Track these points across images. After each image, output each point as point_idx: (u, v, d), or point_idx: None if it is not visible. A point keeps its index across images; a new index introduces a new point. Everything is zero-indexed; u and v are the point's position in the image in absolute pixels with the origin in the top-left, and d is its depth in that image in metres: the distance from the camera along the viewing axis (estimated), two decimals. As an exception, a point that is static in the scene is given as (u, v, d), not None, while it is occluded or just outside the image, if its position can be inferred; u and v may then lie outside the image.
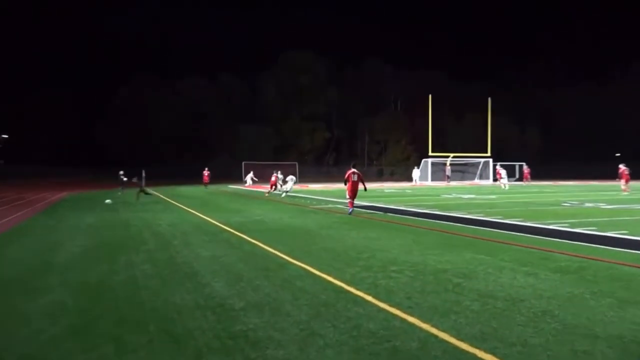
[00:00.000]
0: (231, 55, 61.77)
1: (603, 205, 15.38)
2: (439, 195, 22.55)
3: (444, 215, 12.73)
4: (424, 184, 39.71)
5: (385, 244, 8.16)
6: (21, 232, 10.28)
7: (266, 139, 57.58)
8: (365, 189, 14.45)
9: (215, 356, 3.48)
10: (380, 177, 59.30)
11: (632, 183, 27.66)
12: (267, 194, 23.37)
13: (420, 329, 3.93)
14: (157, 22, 54.46)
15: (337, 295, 4.90)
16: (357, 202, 14.91)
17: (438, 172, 43.66)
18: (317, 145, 61.54)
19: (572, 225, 10.26)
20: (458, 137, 58.66)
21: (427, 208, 15.01)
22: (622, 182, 24.34)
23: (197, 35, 55.74)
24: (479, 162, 45.98)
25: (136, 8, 52.69)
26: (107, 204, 17.52)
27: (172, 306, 4.62)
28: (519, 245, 7.79)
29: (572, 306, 4.52)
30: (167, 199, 21.33)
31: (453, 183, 40.66)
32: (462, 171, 46.32)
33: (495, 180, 35.01)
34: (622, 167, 24.73)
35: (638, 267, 6.08)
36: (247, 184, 33.38)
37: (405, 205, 16.17)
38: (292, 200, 19.35)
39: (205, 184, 31.75)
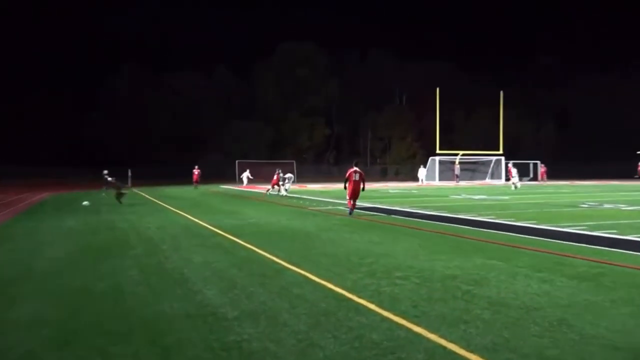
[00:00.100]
0: (230, 54, 62.11)
1: (623, 207, 15.39)
2: (447, 196, 22.56)
3: (453, 218, 12.72)
4: (431, 184, 39.73)
5: (389, 248, 8.16)
6: (-2, 235, 10.28)
7: (261, 136, 57.56)
8: (364, 189, 14.35)
9: (207, 369, 3.47)
10: (384, 176, 59.35)
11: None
12: (266, 193, 23.37)
13: (427, 340, 3.93)
14: (157, 22, 55.66)
15: (337, 304, 4.90)
16: (359, 203, 14.91)
17: (446, 172, 43.69)
18: (316, 143, 61.54)
19: (591, 228, 10.27)
20: (468, 133, 58.72)
21: (434, 210, 15.01)
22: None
23: (197, 35, 57.19)
24: (490, 161, 46.01)
25: (136, 8, 53.88)
26: (85, 206, 17.12)
27: (161, 315, 4.62)
28: (534, 250, 7.79)
29: (590, 315, 4.53)
30: (155, 200, 21.31)
31: (462, 183, 40.69)
32: (472, 170, 46.35)
33: (507, 179, 35.06)
34: None
35: (661, 273, 6.09)
36: (243, 184, 33.30)
37: (411, 207, 16.17)
38: (290, 202, 19.34)
39: (195, 184, 31.75)
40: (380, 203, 18.04)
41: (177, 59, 59.11)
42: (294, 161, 49.18)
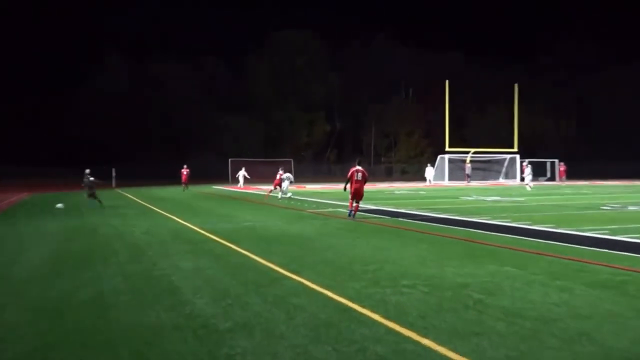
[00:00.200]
0: (221, 45, 62.38)
1: (648, 209, 15.39)
2: (457, 198, 22.56)
3: (464, 221, 12.72)
4: (439, 184, 39.74)
5: (395, 254, 8.16)
6: (-29, 240, 10.27)
7: (255, 132, 57.58)
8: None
9: (198, 386, 3.47)
10: (389, 176, 59.41)
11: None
12: (267, 196, 23.33)
13: (436, 353, 3.92)
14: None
15: (339, 314, 4.89)
16: (362, 205, 14.91)
17: (456, 171, 43.68)
18: (315, 140, 61.56)
19: (613, 232, 10.27)
20: (480, 129, 58.76)
21: (443, 212, 15.01)
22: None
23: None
24: (504, 159, 46.01)
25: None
26: (59, 209, 16.75)
27: (147, 327, 4.61)
28: (551, 256, 7.78)
29: (612, 326, 4.52)
30: (141, 202, 21.31)
31: (474, 183, 40.69)
32: (485, 169, 46.35)
33: (522, 179, 35.10)
34: None
35: (690, 281, 6.09)
36: (240, 185, 33.28)
37: (418, 209, 16.18)
38: (288, 204, 19.34)
39: (185, 185, 31.74)
40: (385, 205, 18.04)
41: (163, 48, 59.32)
42: (292, 160, 49.21)
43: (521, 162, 39.05)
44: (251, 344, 4.15)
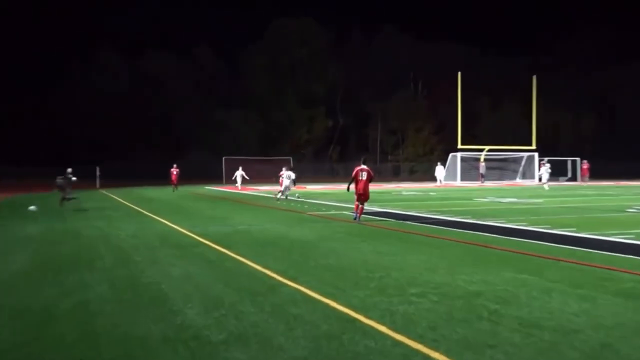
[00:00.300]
0: (215, 36, 62.61)
1: (677, 212, 15.37)
2: (470, 199, 22.55)
3: (477, 224, 12.72)
4: (451, 184, 39.73)
5: (403, 260, 8.16)
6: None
7: (251, 128, 57.58)
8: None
9: (189, 401, 3.47)
10: (396, 175, 59.39)
11: None
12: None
13: (447, 368, 3.92)
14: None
15: (342, 325, 4.90)
16: (367, 207, 14.92)
17: (469, 170, 43.66)
18: (316, 136, 61.56)
19: (639, 236, 10.25)
20: (495, 125, 58.69)
21: (455, 215, 15.01)
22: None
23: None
24: (522, 158, 45.98)
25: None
26: (32, 211, 16.64)
27: (135, 338, 4.62)
28: (572, 262, 7.78)
29: (638, 339, 4.52)
30: (128, 204, 21.34)
31: (488, 183, 40.67)
32: (500, 168, 46.32)
33: (540, 179, 35.08)
34: None
35: None
36: (237, 186, 33.31)
37: (428, 212, 16.17)
38: (287, 205, 19.35)
39: (174, 185, 31.77)
40: (392, 207, 18.04)
41: (155, 41, 59.49)
42: (291, 158, 49.20)
43: (540, 161, 39.03)
44: (247, 357, 4.15)
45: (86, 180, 34.78)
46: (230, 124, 56.30)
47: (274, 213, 16.65)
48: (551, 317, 5.11)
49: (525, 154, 45.22)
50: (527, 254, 8.50)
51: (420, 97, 64.96)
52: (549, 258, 8.15)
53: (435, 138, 62.42)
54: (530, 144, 42.87)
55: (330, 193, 27.38)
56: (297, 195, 23.89)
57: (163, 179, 37.48)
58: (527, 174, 45.12)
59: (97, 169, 38.60)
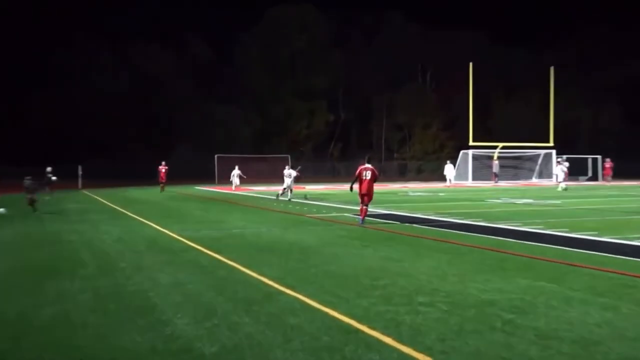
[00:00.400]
0: (207, 24, 62.74)
1: None
2: (483, 200, 22.54)
3: (490, 228, 12.73)
4: (462, 184, 39.74)
5: (409, 266, 8.17)
6: None
7: (246, 123, 57.54)
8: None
9: (179, 419, 3.47)
10: (403, 175, 59.44)
11: None
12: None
13: (458, 383, 3.92)
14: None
15: (344, 336, 4.90)
16: (371, 209, 14.93)
17: (482, 169, 43.67)
18: (316, 132, 61.57)
19: (665, 240, 10.27)
20: (509, 120, 58.67)
21: (466, 218, 15.01)
22: None
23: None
24: (538, 155, 46.00)
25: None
26: (1, 214, 16.48)
27: (120, 351, 4.62)
28: (593, 269, 7.78)
29: (665, 351, 4.52)
30: (112, 205, 21.35)
31: (502, 183, 40.68)
32: (515, 167, 46.34)
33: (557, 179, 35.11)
34: None
35: None
36: (235, 185, 33.31)
37: (437, 214, 16.18)
38: (285, 207, 19.36)
39: (162, 184, 31.74)
40: (398, 209, 18.04)
41: (139, 27, 59.40)
42: (289, 156, 49.19)
43: (558, 160, 39.03)
44: (241, 371, 4.15)
45: (68, 180, 34.84)
46: (223, 118, 56.22)
47: (270, 215, 16.65)
48: (570, 327, 5.11)
49: (542, 152, 45.21)
50: (544, 260, 8.50)
51: (428, 90, 64.97)
52: (568, 264, 8.15)
53: (444, 134, 62.45)
54: (548, 141, 42.85)
55: (331, 194, 27.38)
56: (306, 196, 23.99)
57: (150, 178, 37.53)
58: (544, 173, 45.11)
59: (79, 167, 38.59)
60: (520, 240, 10.56)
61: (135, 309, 5.92)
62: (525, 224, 13.22)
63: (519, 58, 60.82)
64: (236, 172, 33.23)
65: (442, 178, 41.40)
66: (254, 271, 7.79)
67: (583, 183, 41.89)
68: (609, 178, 38.65)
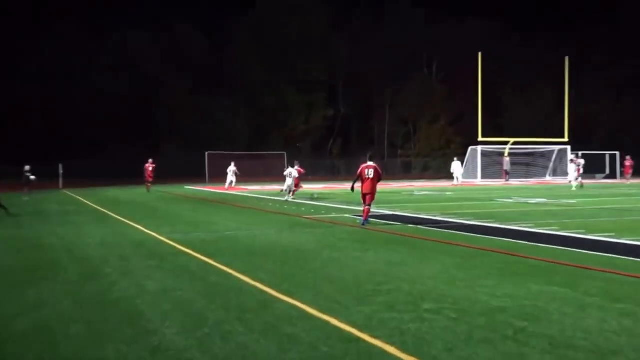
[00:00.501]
0: (196, 10, 62.95)
1: None
2: (492, 200, 22.56)
3: (501, 229, 12.74)
4: (470, 182, 39.76)
5: (415, 270, 8.18)
6: None
7: (239, 118, 57.43)
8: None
9: None
10: (407, 172, 59.45)
11: None
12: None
13: (467, 395, 3.93)
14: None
15: (344, 346, 4.90)
16: (374, 209, 14.93)
17: (492, 166, 43.70)
18: (314, 127, 61.52)
19: (688, 242, 10.29)
20: (521, 115, 58.71)
21: (475, 218, 15.02)
22: None
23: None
24: (552, 152, 46.03)
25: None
26: None
27: (104, 363, 4.62)
28: (610, 272, 7.79)
29: (687, 361, 4.53)
30: (95, 206, 21.33)
31: (513, 182, 40.70)
32: (528, 164, 46.36)
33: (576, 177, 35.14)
34: None
35: None
36: (228, 184, 33.27)
37: (444, 215, 16.18)
38: (280, 208, 19.36)
39: (148, 184, 31.68)
40: (403, 209, 18.05)
41: (121, 10, 59.28)
42: (285, 153, 49.20)
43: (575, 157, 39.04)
44: (234, 384, 4.16)
45: (49, 179, 34.84)
46: (214, 112, 56.08)
47: (265, 217, 16.65)
48: (586, 336, 5.11)
49: (557, 148, 45.22)
50: (558, 264, 8.50)
51: (435, 82, 64.88)
52: (583, 268, 8.16)
53: (452, 129, 62.40)
54: (563, 136, 42.86)
55: (331, 193, 27.38)
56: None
57: (135, 177, 37.43)
58: (559, 170, 45.14)
59: (60, 166, 38.55)
60: (533, 243, 10.56)
61: (121, 317, 5.92)
62: (538, 225, 13.23)
63: (533, 48, 60.64)
64: (232, 168, 33.21)
65: (449, 176, 41.40)
66: (247, 277, 7.79)
67: (600, 181, 41.93)
68: (629, 177, 38.67)
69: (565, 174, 42.94)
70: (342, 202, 21.08)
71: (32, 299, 6.77)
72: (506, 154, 42.62)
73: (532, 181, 42.48)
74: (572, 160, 32.96)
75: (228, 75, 59.58)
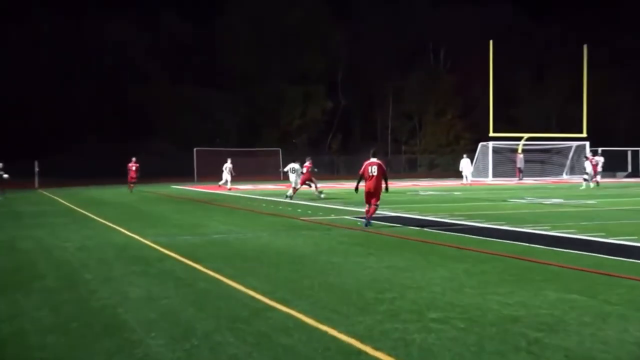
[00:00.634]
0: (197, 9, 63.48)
1: None
2: (505, 200, 22.58)
3: (514, 232, 12.75)
4: (480, 181, 39.79)
5: (420, 277, 8.18)
6: None
7: (230, 112, 57.42)
8: (387, 189, 14.53)
9: None
10: (412, 170, 59.53)
11: None
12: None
13: (477, 412, 3.94)
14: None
15: (344, 358, 4.90)
16: (377, 210, 14.92)
17: (504, 164, 43.73)
18: (312, 121, 61.53)
19: None
20: (535, 108, 58.78)
21: (486, 221, 15.04)
22: None
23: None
24: (569, 148, 46.08)
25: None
26: None
27: (84, 377, 4.62)
28: (633, 279, 7.80)
29: None
30: (75, 207, 21.32)
31: (527, 180, 40.75)
32: (543, 162, 46.43)
33: (595, 175, 35.22)
34: None
35: None
36: (223, 183, 33.20)
37: (452, 216, 16.20)
38: (275, 209, 19.36)
39: (131, 184, 31.65)
40: (407, 210, 18.06)
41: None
42: (280, 149, 49.25)
43: (593, 153, 39.11)
44: (225, 399, 4.16)
45: (23, 177, 34.79)
46: (203, 105, 56.04)
47: (258, 218, 16.64)
48: (606, 347, 5.12)
49: (574, 144, 45.26)
50: (576, 269, 8.51)
51: (442, 73, 64.94)
52: (603, 274, 8.17)
53: (460, 123, 62.49)
54: (581, 131, 42.88)
55: (330, 193, 27.36)
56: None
57: (117, 176, 37.40)
58: (576, 168, 45.19)
59: (36, 163, 38.53)
60: (549, 247, 10.56)
61: (102, 327, 5.91)
62: (554, 228, 13.24)
63: (549, 35, 60.71)
64: (228, 165, 33.17)
65: (458, 175, 41.44)
66: (239, 283, 7.79)
67: (622, 180, 42.00)
68: None
69: (584, 172, 43.13)
70: (341, 203, 21.07)
71: (6, 307, 6.76)
72: (520, 151, 42.67)
73: (548, 180, 42.54)
74: (587, 158, 33.05)
75: (218, 65, 59.44)
